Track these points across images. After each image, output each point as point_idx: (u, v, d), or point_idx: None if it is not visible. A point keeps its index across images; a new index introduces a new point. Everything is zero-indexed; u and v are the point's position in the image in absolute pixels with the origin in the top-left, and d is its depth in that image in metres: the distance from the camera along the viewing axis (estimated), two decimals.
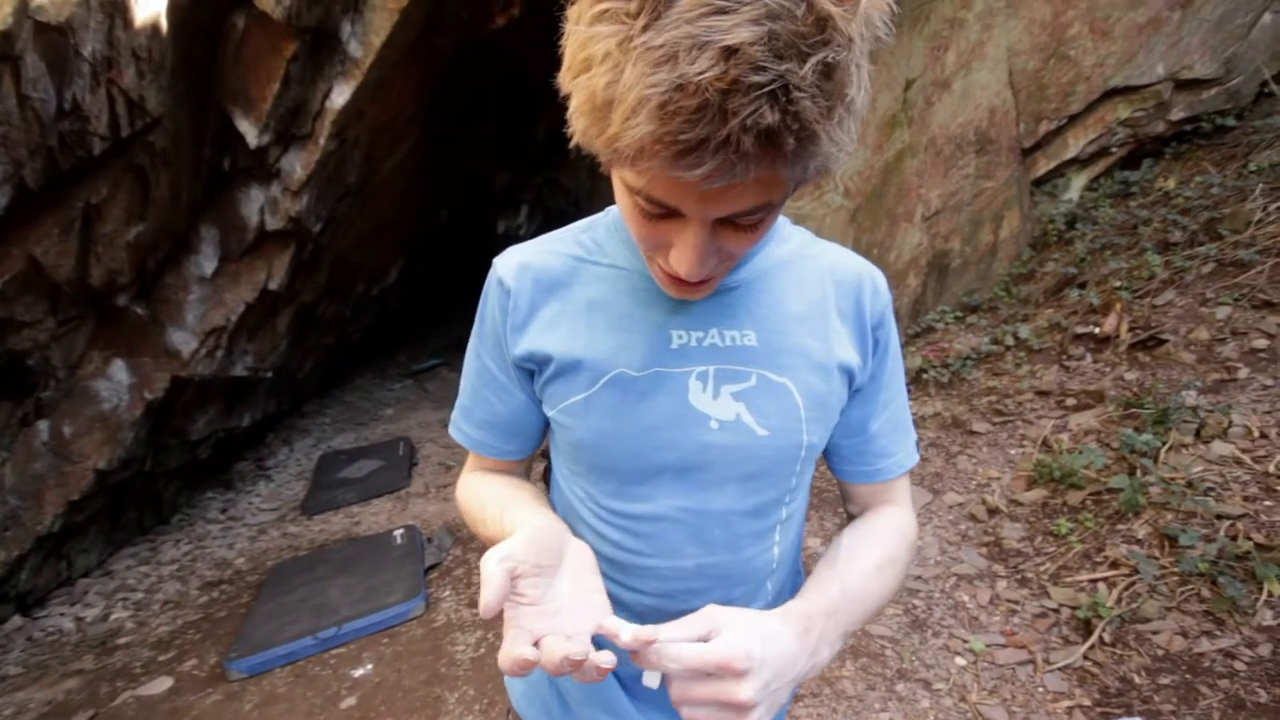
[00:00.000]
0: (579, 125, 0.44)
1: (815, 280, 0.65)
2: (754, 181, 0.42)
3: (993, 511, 2.40)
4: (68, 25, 1.87)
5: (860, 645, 1.98)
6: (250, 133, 2.80)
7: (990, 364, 3.20)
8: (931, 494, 2.47)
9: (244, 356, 3.73)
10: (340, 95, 2.91)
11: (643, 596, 0.65)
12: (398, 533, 3.08)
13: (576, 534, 0.68)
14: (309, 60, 2.80)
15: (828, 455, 0.72)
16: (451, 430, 0.74)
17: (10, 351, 2.56)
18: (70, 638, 2.78)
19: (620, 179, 0.48)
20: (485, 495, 0.68)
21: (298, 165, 3.04)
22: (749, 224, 0.48)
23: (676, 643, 0.46)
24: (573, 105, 0.44)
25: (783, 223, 0.68)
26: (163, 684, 2.33)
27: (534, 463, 0.80)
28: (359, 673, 2.20)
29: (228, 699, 2.18)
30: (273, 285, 3.40)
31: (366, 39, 2.84)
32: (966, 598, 2.09)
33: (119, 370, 3.12)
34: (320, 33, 2.75)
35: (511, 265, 0.65)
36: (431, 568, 2.87)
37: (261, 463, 4.61)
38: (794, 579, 0.74)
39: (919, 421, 2.86)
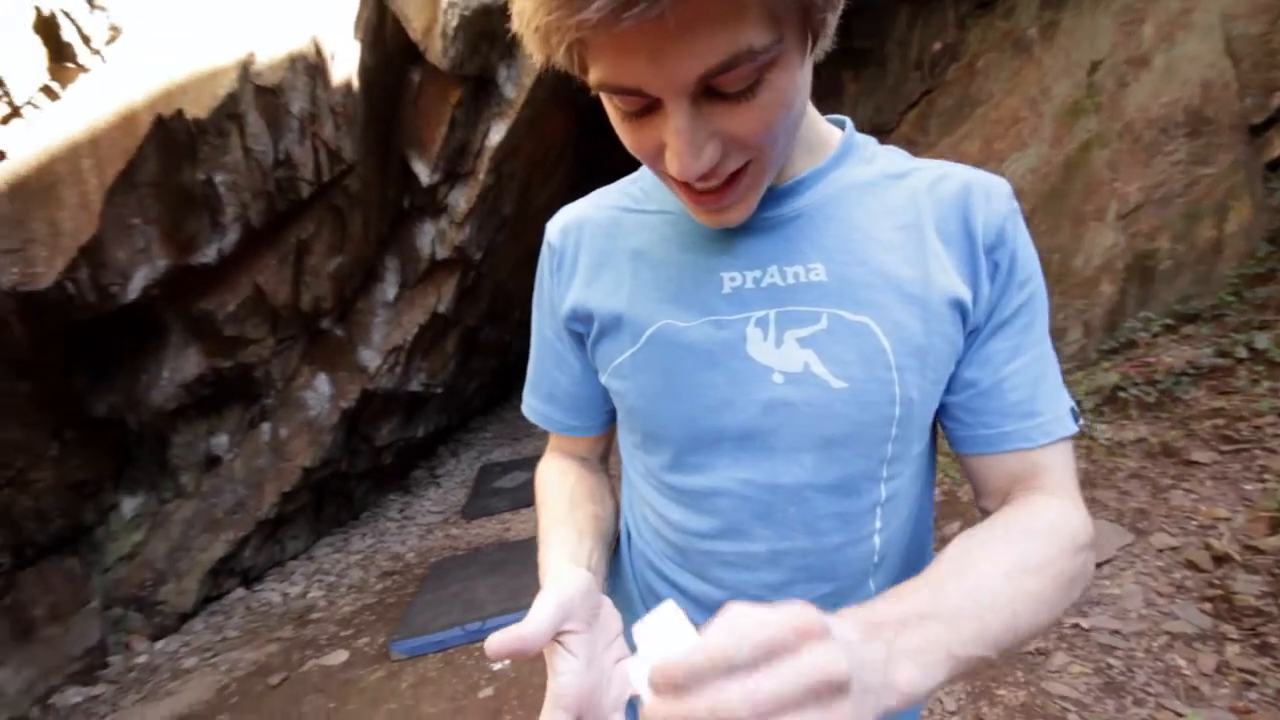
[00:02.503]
0: (519, 32, 0.38)
1: (906, 200, 0.52)
2: (697, 16, 0.34)
3: (1220, 559, 1.93)
4: (280, 87, 2.29)
5: (1034, 705, 1.68)
6: (423, 172, 3.18)
7: (1215, 380, 2.63)
8: (1134, 534, 2.05)
9: (418, 374, 4.19)
10: (496, 133, 3.21)
11: (712, 589, 0.56)
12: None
13: (640, 515, 0.64)
14: (471, 104, 3.13)
15: (941, 424, 0.57)
16: (523, 408, 0.70)
17: (242, 364, 3.11)
18: (277, 609, 3.26)
19: (593, 88, 0.41)
20: (545, 497, 0.64)
21: (461, 199, 3.39)
22: (737, 88, 0.38)
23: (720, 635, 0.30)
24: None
25: (866, 141, 0.57)
26: (340, 656, 2.63)
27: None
28: (498, 666, 2.31)
29: (389, 676, 2.40)
30: (441, 309, 3.80)
31: (519, 81, 3.12)
32: (1183, 662, 1.69)
33: (322, 383, 3.65)
34: (481, 79, 3.07)
35: (557, 225, 0.62)
36: None
37: (433, 470, 5.12)
38: None
39: (1115, 447, 2.41)
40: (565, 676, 0.42)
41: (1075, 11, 3.65)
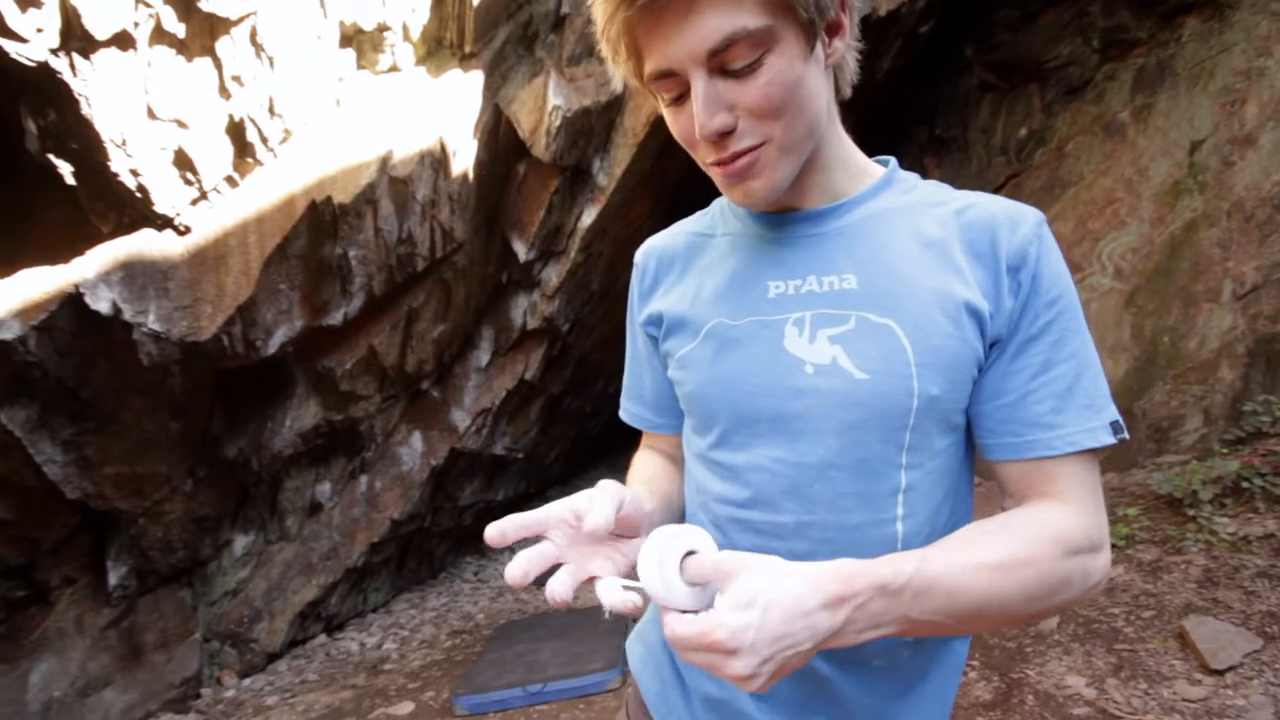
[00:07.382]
0: (605, 57, 0.57)
1: (936, 223, 0.60)
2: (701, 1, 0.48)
3: None
4: (409, 178, 2.67)
5: None
6: (521, 251, 3.50)
7: None
8: (1263, 639, 1.80)
9: (503, 437, 4.40)
10: (588, 216, 3.51)
11: None
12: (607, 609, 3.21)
13: (690, 493, 0.72)
14: (567, 191, 3.47)
15: (973, 433, 0.61)
16: (620, 413, 0.83)
17: (351, 418, 3.42)
18: (354, 658, 3.38)
19: (646, 82, 0.56)
20: (630, 476, 0.77)
21: (553, 275, 3.68)
22: (741, 64, 0.50)
23: (667, 614, 0.47)
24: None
25: (910, 176, 0.66)
26: (406, 708, 2.68)
27: None
28: None
29: None
30: (528, 376, 4.04)
31: (610, 170, 3.44)
32: None
33: (416, 440, 3.92)
34: (577, 169, 3.41)
35: (643, 250, 0.76)
36: None
37: None
38: None
39: (1239, 543, 2.16)
40: (543, 544, 0.56)
41: (1171, 93, 3.62)
